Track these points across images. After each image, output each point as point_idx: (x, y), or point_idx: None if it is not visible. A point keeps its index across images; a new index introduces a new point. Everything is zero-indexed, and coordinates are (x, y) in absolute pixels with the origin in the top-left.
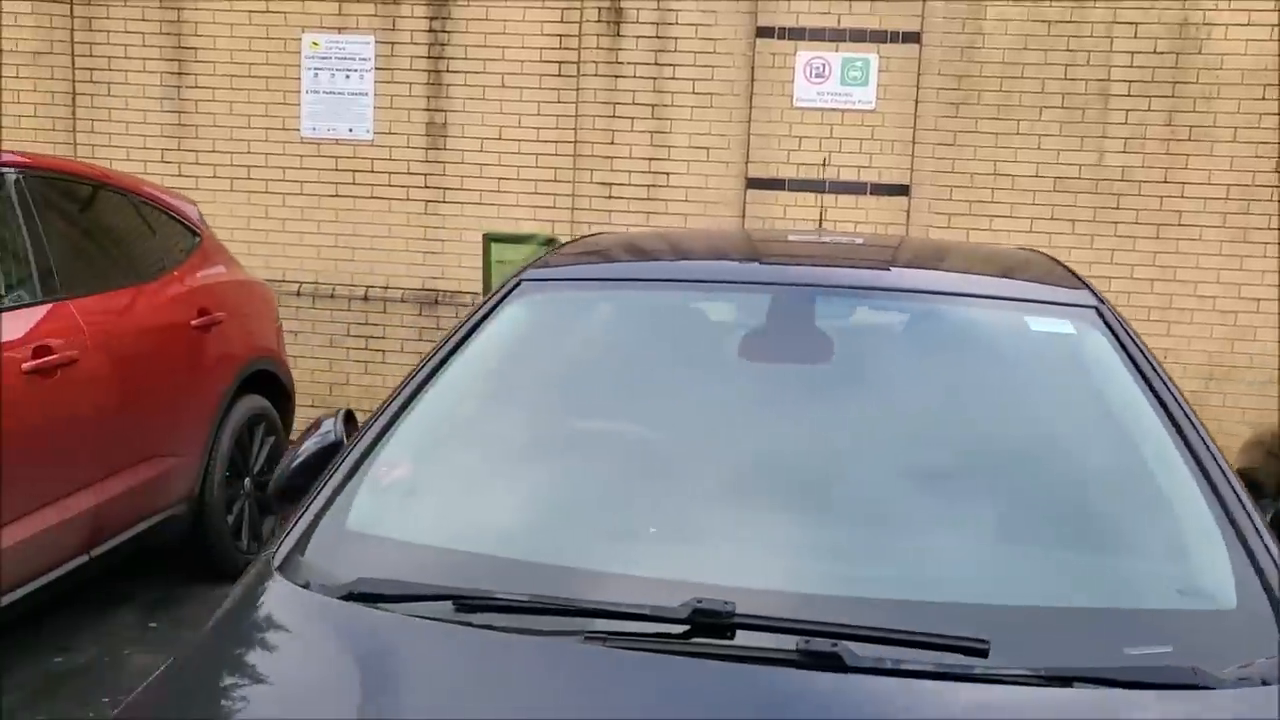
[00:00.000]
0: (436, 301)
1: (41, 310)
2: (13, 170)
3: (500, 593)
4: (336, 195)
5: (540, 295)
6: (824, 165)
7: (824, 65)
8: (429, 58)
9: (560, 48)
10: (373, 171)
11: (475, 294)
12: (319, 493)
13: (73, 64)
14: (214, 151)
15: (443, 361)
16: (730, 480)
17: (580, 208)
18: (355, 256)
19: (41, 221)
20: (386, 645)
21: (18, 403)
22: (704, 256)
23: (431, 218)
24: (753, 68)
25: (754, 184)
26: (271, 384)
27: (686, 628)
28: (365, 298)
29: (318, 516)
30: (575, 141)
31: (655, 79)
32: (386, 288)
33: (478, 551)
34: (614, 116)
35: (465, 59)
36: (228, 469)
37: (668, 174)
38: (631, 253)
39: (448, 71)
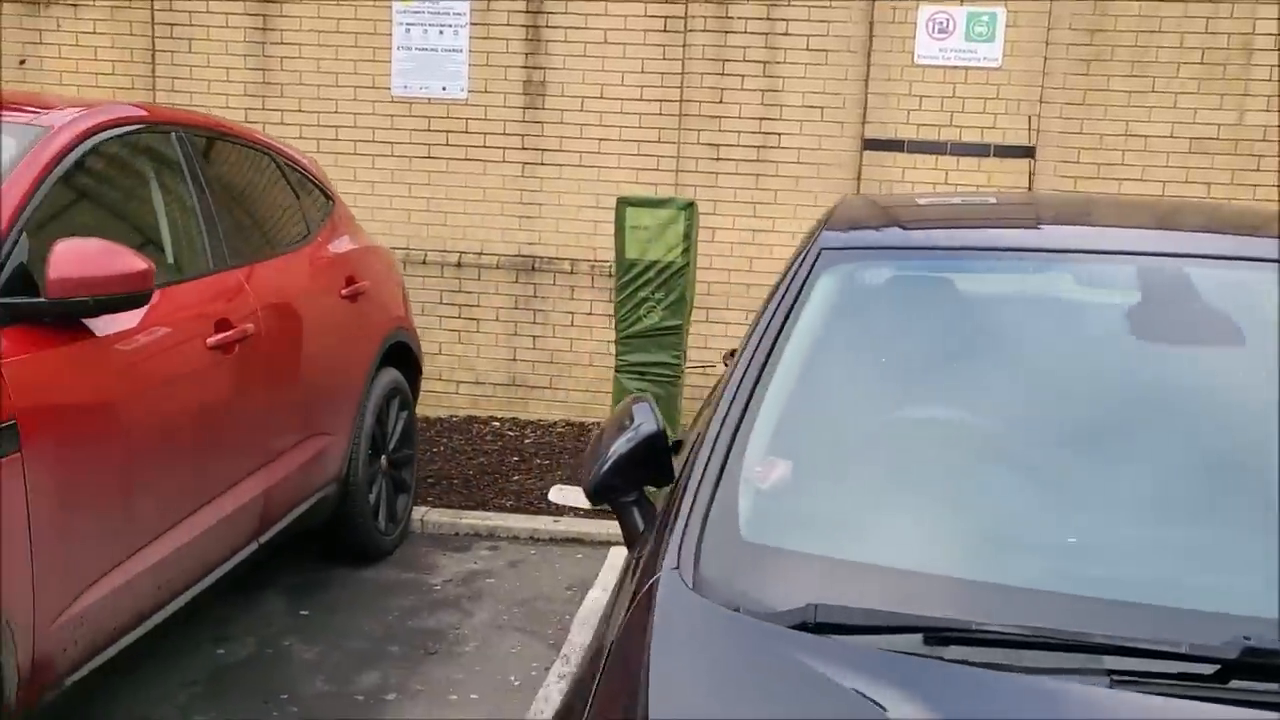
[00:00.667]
0: (533, 268)
1: (217, 280)
2: (174, 128)
3: (995, 624)
4: (429, 157)
5: (852, 267)
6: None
7: (948, 20)
8: (527, 12)
9: (666, 1)
10: (467, 132)
11: (574, 260)
12: (685, 494)
13: (152, 19)
14: (300, 111)
15: (768, 346)
16: (1174, 485)
17: (685, 170)
18: (448, 221)
19: (207, 184)
20: (870, 685)
21: (203, 381)
22: (1005, 220)
23: (528, 180)
24: (871, 22)
25: (870, 145)
26: (404, 356)
27: (1216, 668)
28: (458, 264)
29: (703, 523)
30: (681, 100)
31: (767, 34)
32: (481, 254)
33: (928, 572)
34: (723, 74)
35: (565, 13)
36: (369, 447)
37: (779, 135)
38: (929, 217)
39: (547, 27)
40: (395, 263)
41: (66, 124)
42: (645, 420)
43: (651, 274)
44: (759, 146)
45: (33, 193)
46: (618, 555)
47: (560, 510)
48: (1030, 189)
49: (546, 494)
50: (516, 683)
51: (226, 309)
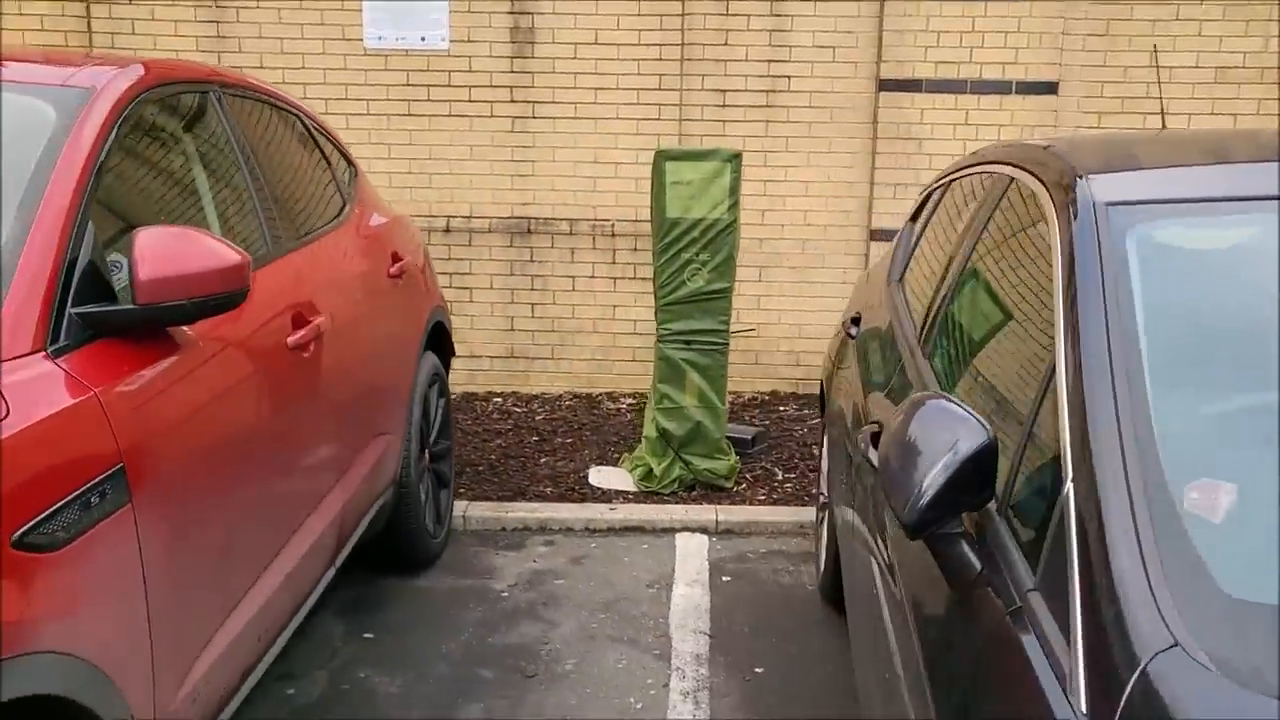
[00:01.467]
0: (529, 230)
1: (283, 266)
2: (212, 86)
3: None
4: (409, 114)
5: (1165, 226)
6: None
7: None
8: None
9: None
10: (450, 85)
11: (573, 220)
12: (1087, 537)
13: None
14: (262, 68)
15: (1100, 337)
16: None
17: (690, 119)
18: (433, 183)
19: (254, 152)
20: None
21: (287, 389)
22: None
23: (519, 136)
24: None
25: (886, 86)
26: (441, 338)
27: None
28: (447, 229)
29: (1155, 577)
30: (683, 44)
31: None
32: (470, 217)
33: None
34: (727, 14)
35: None
36: (418, 442)
37: (788, 77)
38: (1189, 159)
39: None
40: (419, 232)
41: (108, 84)
42: (965, 433)
43: (695, 233)
44: (767, 91)
45: (92, 170)
46: (687, 542)
47: (607, 495)
48: (1055, 127)
49: (584, 477)
50: (639, 705)
51: (298, 301)
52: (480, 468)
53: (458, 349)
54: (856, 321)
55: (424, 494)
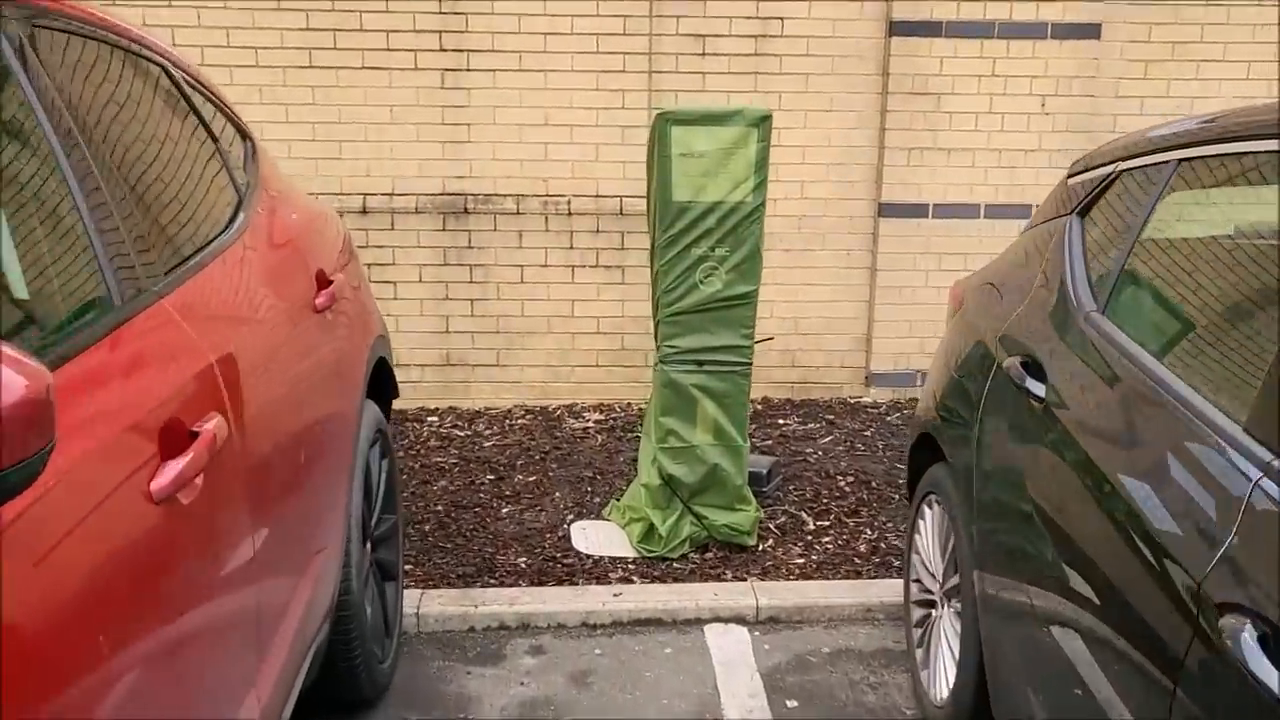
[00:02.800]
0: (466, 210)
1: (137, 332)
2: (13, 16)
3: None
4: (311, 66)
5: None
6: None
7: None
8: None
9: None
10: (362, 30)
11: (520, 197)
12: None
13: None
14: (115, 4)
15: None
16: None
17: (662, 70)
18: (344, 153)
19: (86, 125)
20: None
21: (151, 559)
22: None
23: (452, 94)
24: None
25: (899, 29)
26: (382, 378)
27: None
28: (363, 210)
29: None
30: None
31: None
32: (393, 194)
33: None
34: None
35: None
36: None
37: (781, 20)
38: None
39: None
40: (345, 230)
41: None
42: None
43: (711, 222)
44: (757, 36)
45: None
46: (723, 641)
47: (600, 566)
48: (1095, 77)
49: (564, 536)
50: None
51: (166, 400)
52: (426, 525)
53: None
54: (1029, 367)
55: (369, 607)
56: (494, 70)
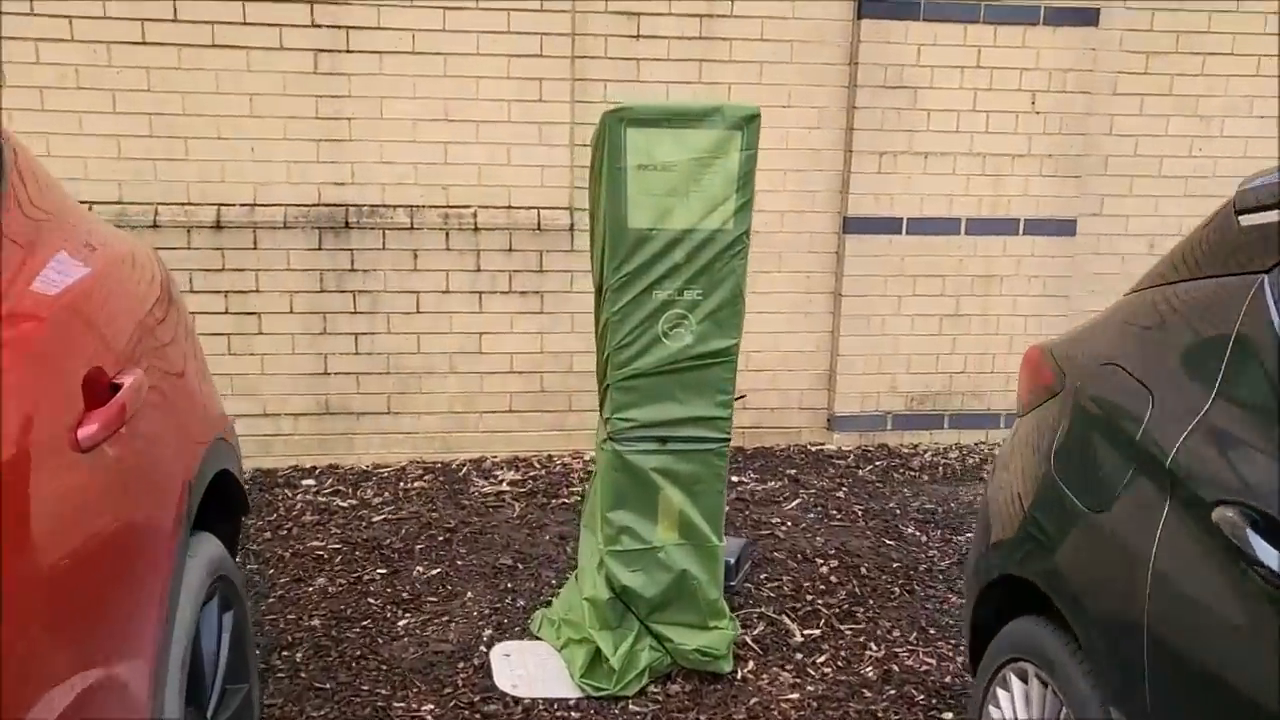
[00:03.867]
0: (347, 224)
1: None
2: None
3: None
4: (143, 43)
5: None
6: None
7: None
8: None
9: None
10: None
11: (414, 208)
12: None
13: None
14: None
15: None
16: None
17: (588, 55)
18: (190, 153)
19: None
20: None
21: None
22: None
23: (329, 81)
24: None
25: (870, 11)
26: (226, 493)
27: None
28: (217, 225)
29: None
30: None
31: None
32: (254, 205)
33: None
34: None
35: None
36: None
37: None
38: None
39: None
40: (157, 264)
41: None
42: None
43: (679, 256)
44: (701, 16)
45: None
46: None
47: (535, 717)
48: (1093, 71)
49: (482, 665)
50: None
51: None
52: (298, 653)
53: (244, 402)
54: (1257, 525)
55: None
56: (380, 52)
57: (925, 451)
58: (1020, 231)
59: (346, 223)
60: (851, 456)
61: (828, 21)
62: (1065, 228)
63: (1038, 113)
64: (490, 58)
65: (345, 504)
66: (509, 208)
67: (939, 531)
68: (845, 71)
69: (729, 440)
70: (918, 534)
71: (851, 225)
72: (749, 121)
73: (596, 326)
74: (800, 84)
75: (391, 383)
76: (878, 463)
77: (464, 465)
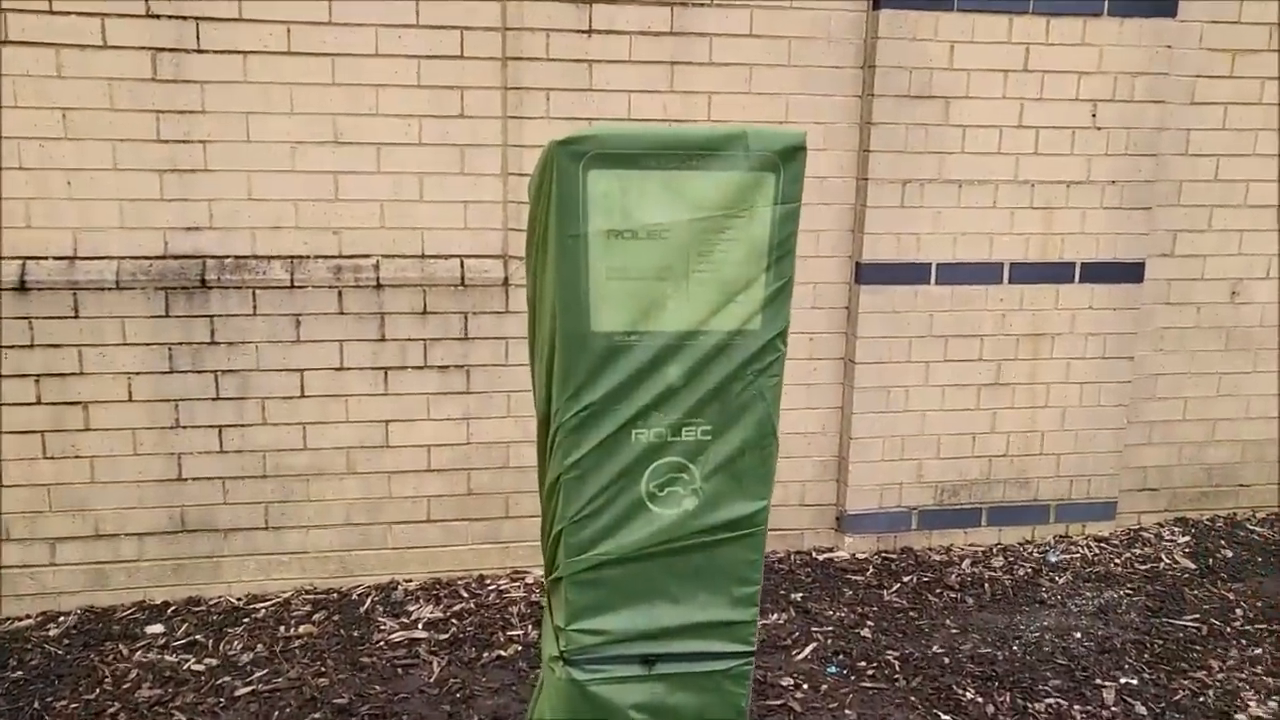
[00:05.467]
0: (204, 282)
1: None
2: None
3: None
4: None
5: None
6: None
7: None
8: None
9: None
10: None
11: (295, 259)
12: None
13: None
14: None
15: None
16: None
17: (526, 56)
18: None
19: None
20: None
21: None
22: None
23: (174, 90)
24: None
25: (891, 0)
26: None
27: None
28: (21, 285)
29: None
30: None
31: None
32: (75, 257)
33: None
34: None
35: None
36: None
37: None
38: None
39: None
40: None
41: None
42: None
43: (674, 375)
44: (673, 4)
45: None
46: None
47: None
48: (1167, 75)
49: None
50: None
51: None
52: None
53: (67, 520)
54: None
55: None
56: (244, 52)
57: (961, 559)
58: (1076, 278)
59: (203, 280)
60: (870, 569)
61: (836, 12)
62: (1131, 272)
63: (1099, 128)
64: (394, 60)
65: (201, 666)
66: (422, 257)
67: (1007, 695)
68: (858, 77)
69: (752, 656)
70: (980, 700)
71: (866, 273)
72: (788, 158)
73: (542, 462)
74: (800, 93)
75: (270, 488)
76: (905, 578)
77: (367, 594)
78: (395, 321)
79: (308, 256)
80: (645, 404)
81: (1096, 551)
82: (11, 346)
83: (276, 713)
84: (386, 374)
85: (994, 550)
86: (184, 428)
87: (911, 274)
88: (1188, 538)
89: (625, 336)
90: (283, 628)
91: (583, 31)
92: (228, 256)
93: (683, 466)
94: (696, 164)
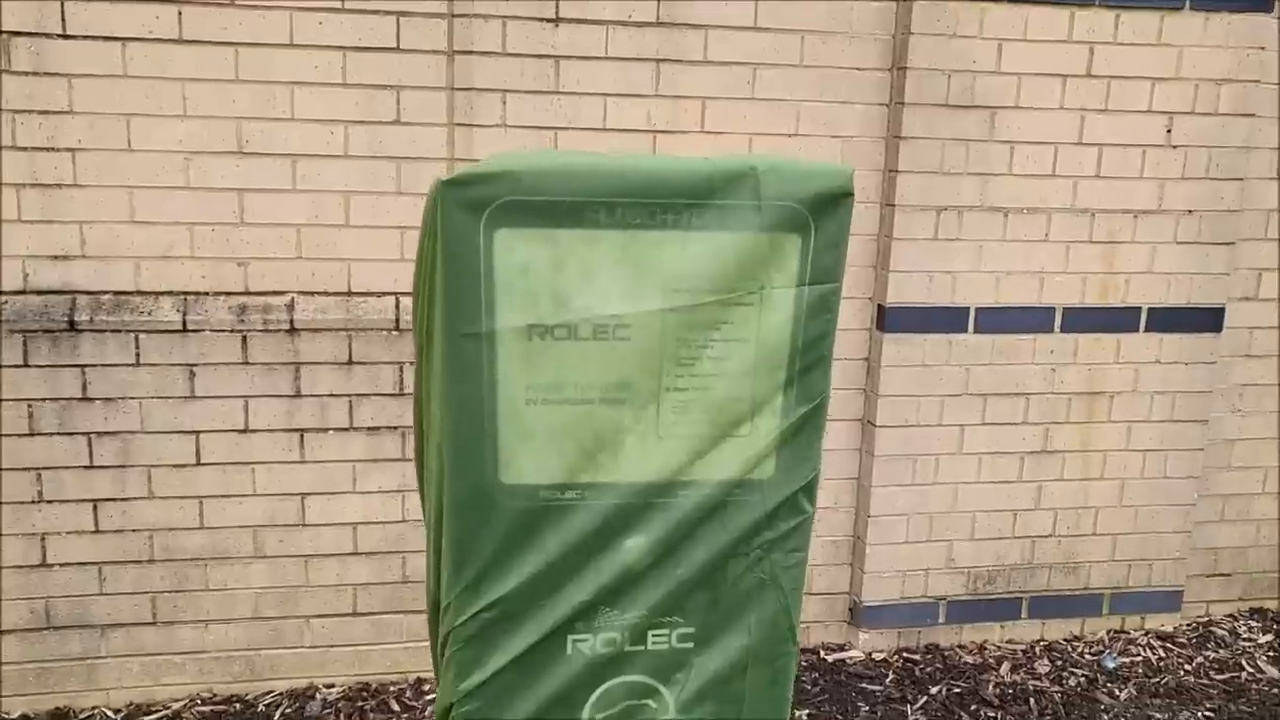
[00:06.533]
0: (72, 325)
1: None
2: None
3: None
4: None
5: None
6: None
7: None
8: None
9: None
10: None
11: (191, 296)
12: None
13: None
14: None
15: None
16: None
17: (476, 50)
18: None
19: None
20: None
21: None
22: None
23: (32, 85)
24: None
25: None
26: None
27: None
28: None
29: None
30: None
31: None
32: None
33: None
34: None
35: None
36: None
37: None
38: None
39: None
40: None
41: None
42: None
43: (634, 547)
44: None
45: None
46: None
47: None
48: (1258, 83)
49: None
50: None
51: None
52: None
53: None
54: None
55: None
56: (122, 39)
57: (999, 661)
58: (1141, 326)
59: (72, 322)
60: (890, 674)
61: (860, 1)
62: (1207, 319)
63: (1175, 146)
64: (314, 51)
65: None
66: (348, 294)
67: None
68: (885, 81)
69: None
70: None
71: (891, 319)
72: (824, 210)
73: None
74: (815, 100)
75: (159, 575)
76: (933, 689)
77: (277, 703)
78: (314, 373)
79: (205, 293)
80: (589, 597)
81: (1162, 654)
82: None
83: None
84: (303, 437)
85: (1037, 650)
86: (49, 502)
87: (945, 320)
88: (1269, 636)
89: (557, 493)
90: None
91: (548, 20)
92: (104, 292)
93: (649, 690)
94: (676, 219)
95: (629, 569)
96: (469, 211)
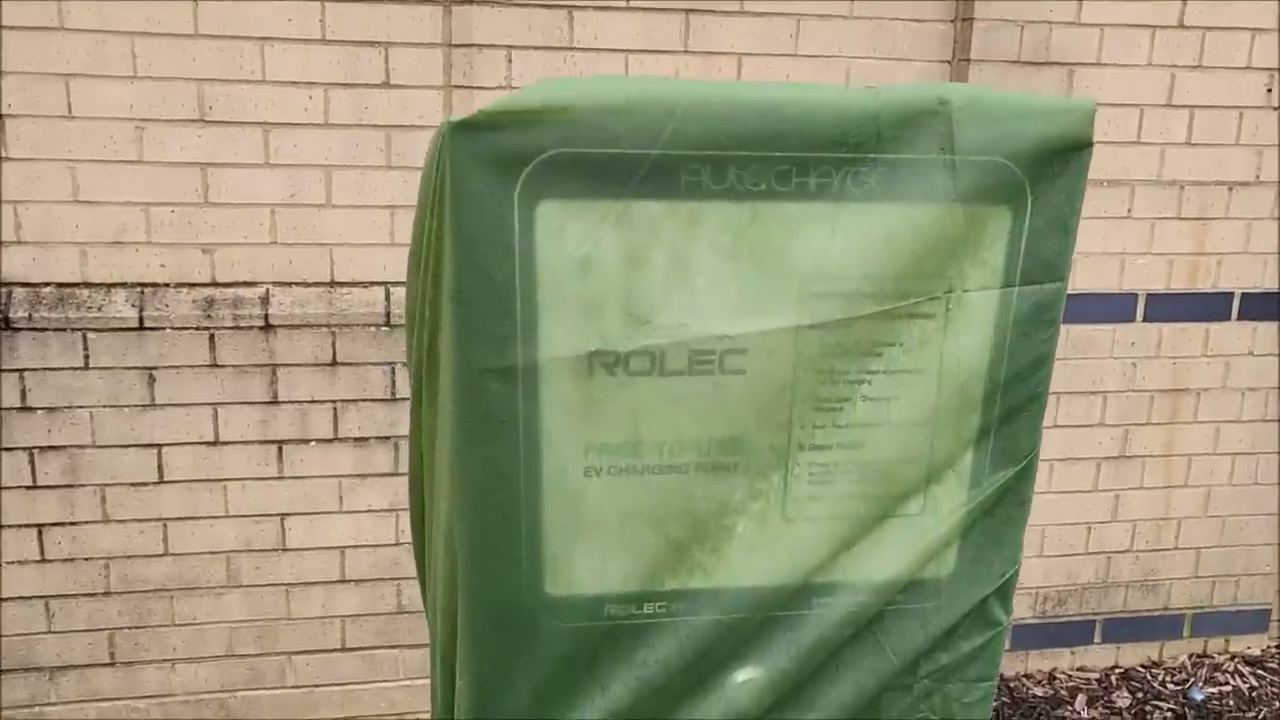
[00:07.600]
0: (7, 323)
1: None
2: None
3: None
4: None
5: None
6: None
7: None
8: None
9: None
10: None
11: (144, 291)
12: None
13: None
14: None
15: None
16: None
17: (479, 0)
18: None
19: None
20: None
21: None
22: None
23: None
24: None
25: None
26: None
27: None
28: None
29: None
30: None
31: None
32: None
33: None
34: None
35: None
36: None
37: None
38: None
39: None
40: None
41: None
42: None
43: (749, 680)
44: None
45: None
46: None
47: None
48: None
49: None
50: None
51: None
52: None
53: None
54: None
55: None
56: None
57: (1073, 693)
58: (1234, 314)
59: (6, 319)
60: None
61: None
62: None
63: (1276, 108)
64: (287, 1)
65: None
66: (331, 285)
67: None
68: (948, 35)
69: None
70: None
71: None
72: (1049, 170)
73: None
74: (867, 56)
75: (116, 609)
76: None
77: None
78: (292, 376)
79: (165, 285)
80: None
81: (1254, 683)
82: None
83: None
84: (281, 449)
85: (1113, 679)
86: None
87: None
88: None
89: (632, 607)
90: None
91: None
92: (45, 284)
93: None
94: (823, 185)
95: (740, 714)
96: (495, 172)
